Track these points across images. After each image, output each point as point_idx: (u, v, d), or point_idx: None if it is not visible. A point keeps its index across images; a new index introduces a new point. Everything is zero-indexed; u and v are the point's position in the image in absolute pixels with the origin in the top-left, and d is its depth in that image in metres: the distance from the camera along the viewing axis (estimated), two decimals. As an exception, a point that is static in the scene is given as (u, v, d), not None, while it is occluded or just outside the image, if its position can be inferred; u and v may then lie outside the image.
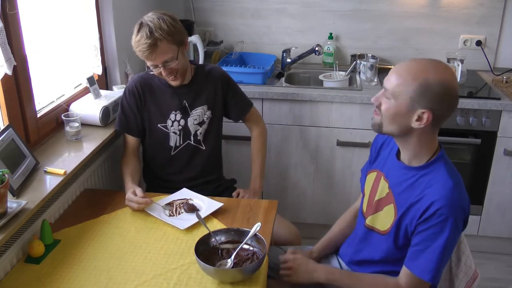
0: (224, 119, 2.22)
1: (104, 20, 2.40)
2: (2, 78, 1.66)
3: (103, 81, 2.47)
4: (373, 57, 3.00)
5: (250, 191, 2.16)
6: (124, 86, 2.28)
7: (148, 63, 1.95)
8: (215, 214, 1.82)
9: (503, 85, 2.76)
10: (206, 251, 1.54)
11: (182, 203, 1.87)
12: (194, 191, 1.95)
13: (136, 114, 2.07)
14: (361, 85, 2.77)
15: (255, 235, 1.56)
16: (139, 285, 1.46)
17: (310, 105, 2.66)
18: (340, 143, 2.71)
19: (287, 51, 3.01)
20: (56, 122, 2.09)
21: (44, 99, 2.08)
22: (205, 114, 2.11)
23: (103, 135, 2.09)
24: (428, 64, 1.39)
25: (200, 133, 2.11)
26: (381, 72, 2.93)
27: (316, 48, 2.91)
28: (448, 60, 2.87)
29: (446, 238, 1.39)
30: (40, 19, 2.03)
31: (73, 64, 2.24)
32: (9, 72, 1.66)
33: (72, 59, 2.24)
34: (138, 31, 1.87)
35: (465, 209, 1.42)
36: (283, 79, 2.86)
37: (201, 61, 2.80)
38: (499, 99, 2.57)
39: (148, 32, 1.84)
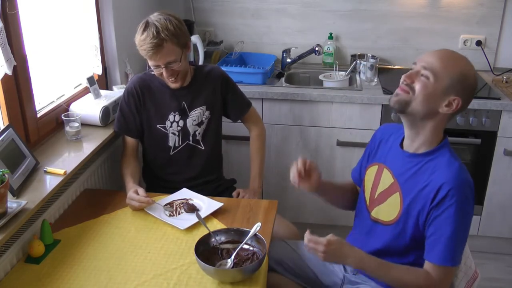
0: (224, 119, 2.22)
1: (104, 20, 2.39)
2: (2, 78, 1.66)
3: (103, 81, 2.47)
4: (373, 57, 3.00)
5: (249, 191, 2.16)
6: (124, 86, 2.28)
7: (151, 63, 1.95)
8: (215, 214, 1.82)
9: (503, 85, 2.76)
10: (206, 251, 1.54)
11: (182, 203, 1.87)
12: (194, 191, 1.95)
13: (135, 115, 2.07)
14: (361, 85, 2.77)
15: (255, 235, 1.56)
16: (139, 285, 1.46)
17: (310, 105, 2.66)
18: (340, 143, 2.71)
19: (287, 51, 3.01)
20: (56, 122, 2.09)
21: (44, 99, 2.08)
22: (203, 115, 2.10)
23: (103, 135, 2.09)
24: (463, 56, 1.49)
25: (199, 133, 2.11)
26: (381, 72, 2.94)
27: (316, 48, 2.91)
28: (448, 60, 2.87)
29: (460, 219, 1.41)
30: (40, 19, 2.02)
31: (73, 64, 2.24)
32: (9, 72, 1.66)
33: (72, 59, 2.24)
34: (144, 30, 1.87)
35: (472, 187, 1.46)
36: (283, 79, 2.86)
37: (201, 61, 2.80)
38: (499, 99, 2.57)
39: (154, 32, 1.84)
